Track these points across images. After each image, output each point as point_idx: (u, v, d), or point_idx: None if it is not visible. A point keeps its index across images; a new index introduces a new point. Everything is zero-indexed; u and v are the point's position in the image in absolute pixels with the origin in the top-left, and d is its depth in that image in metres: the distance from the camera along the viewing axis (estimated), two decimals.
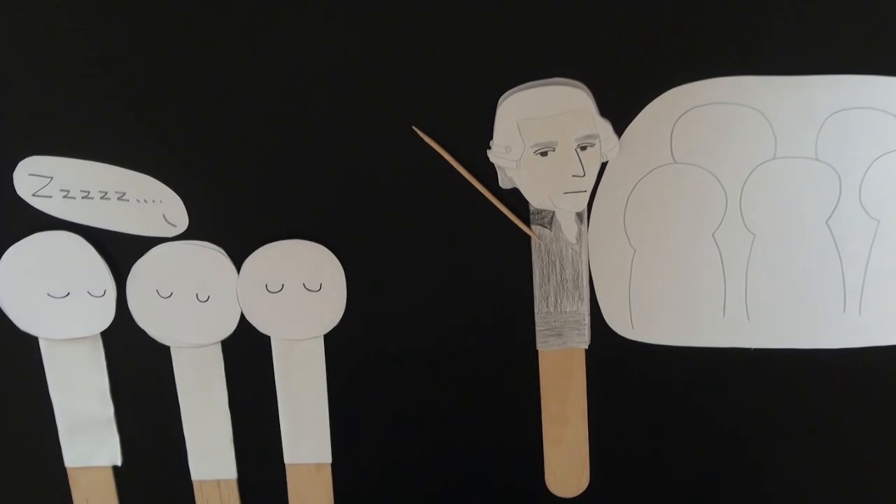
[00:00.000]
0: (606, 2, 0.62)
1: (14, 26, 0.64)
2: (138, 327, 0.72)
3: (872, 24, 0.61)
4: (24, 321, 0.72)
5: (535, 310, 0.71)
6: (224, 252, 0.70)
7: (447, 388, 0.74)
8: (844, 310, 0.68)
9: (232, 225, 0.69)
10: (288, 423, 0.75)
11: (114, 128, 0.67)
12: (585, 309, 0.70)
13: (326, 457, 0.76)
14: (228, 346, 0.73)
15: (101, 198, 0.69)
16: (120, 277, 0.71)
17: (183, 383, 0.74)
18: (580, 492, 0.76)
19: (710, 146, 0.65)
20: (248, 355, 0.73)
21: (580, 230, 0.68)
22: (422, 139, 0.66)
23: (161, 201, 0.69)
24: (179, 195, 0.69)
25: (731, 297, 0.69)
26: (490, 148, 0.66)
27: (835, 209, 0.66)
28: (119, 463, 0.77)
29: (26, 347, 0.73)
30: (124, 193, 0.68)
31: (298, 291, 0.70)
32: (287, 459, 0.76)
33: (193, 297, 0.71)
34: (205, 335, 0.72)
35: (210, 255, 0.70)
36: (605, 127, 0.65)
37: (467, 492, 0.77)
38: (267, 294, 0.71)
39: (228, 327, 0.72)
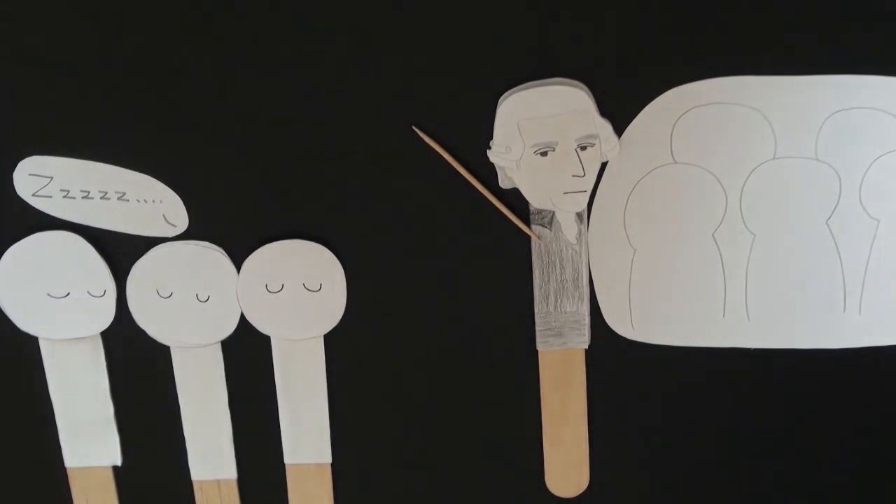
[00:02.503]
0: (606, 2, 0.62)
1: (14, 26, 0.64)
2: (138, 327, 0.72)
3: (872, 24, 0.61)
4: (24, 321, 0.72)
5: (535, 310, 0.71)
6: (224, 252, 0.70)
7: (447, 387, 0.74)
8: (844, 310, 0.68)
9: (232, 225, 0.69)
10: (288, 423, 0.75)
11: (114, 128, 0.67)
12: (585, 309, 0.70)
13: (326, 457, 0.76)
14: (228, 346, 0.73)
15: (101, 198, 0.69)
16: (120, 277, 0.71)
17: (183, 383, 0.74)
18: (580, 492, 0.76)
19: (710, 146, 0.65)
20: (248, 355, 0.73)
21: (580, 230, 0.68)
22: (422, 139, 0.66)
23: (161, 201, 0.69)
24: (179, 195, 0.69)
25: (731, 297, 0.69)
26: (490, 148, 0.66)
27: (835, 209, 0.66)
28: (119, 463, 0.77)
29: (26, 347, 0.73)
30: (124, 193, 0.68)
31: (298, 291, 0.70)
32: (287, 459, 0.76)
33: (193, 297, 0.71)
34: (205, 335, 0.72)
35: (210, 255, 0.70)
36: (605, 127, 0.65)
37: (467, 492, 0.77)
38: (267, 294, 0.71)
39: (228, 327, 0.72)
